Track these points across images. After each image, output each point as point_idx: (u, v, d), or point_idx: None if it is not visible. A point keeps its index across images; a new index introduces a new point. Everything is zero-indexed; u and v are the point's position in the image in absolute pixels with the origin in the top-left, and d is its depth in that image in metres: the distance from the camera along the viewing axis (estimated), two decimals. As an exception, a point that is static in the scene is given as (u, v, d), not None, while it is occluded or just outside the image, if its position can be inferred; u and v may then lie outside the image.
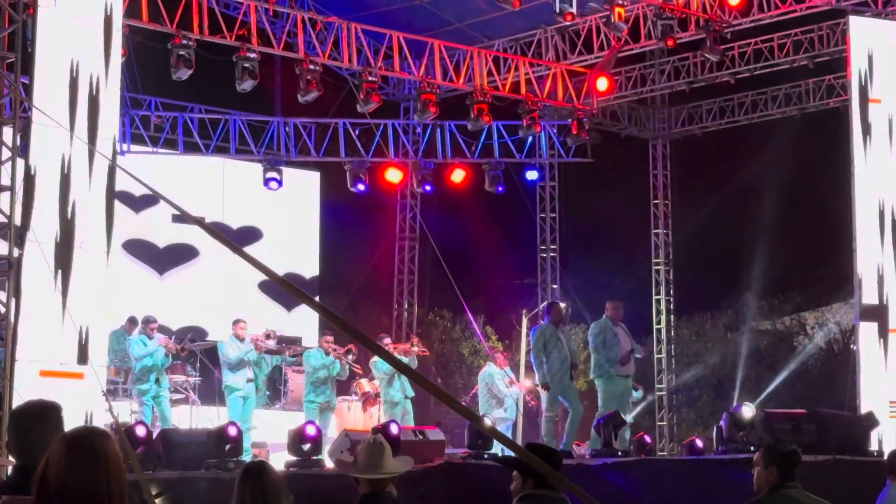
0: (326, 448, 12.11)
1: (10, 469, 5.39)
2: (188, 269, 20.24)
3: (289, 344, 18.29)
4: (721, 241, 24.42)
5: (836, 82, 19.49)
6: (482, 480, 10.17)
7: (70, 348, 11.32)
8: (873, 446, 12.64)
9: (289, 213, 21.10)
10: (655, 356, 21.10)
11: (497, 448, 11.81)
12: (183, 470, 11.15)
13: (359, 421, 16.25)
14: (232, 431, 11.64)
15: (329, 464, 11.47)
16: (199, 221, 4.39)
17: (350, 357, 15.44)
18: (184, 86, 16.99)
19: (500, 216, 24.17)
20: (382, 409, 15.84)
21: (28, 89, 11.78)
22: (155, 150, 19.36)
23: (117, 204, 12.28)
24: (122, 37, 12.50)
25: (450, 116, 19.76)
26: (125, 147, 18.65)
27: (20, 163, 11.36)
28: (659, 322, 21.77)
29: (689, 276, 23.08)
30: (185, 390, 16.32)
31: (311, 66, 16.31)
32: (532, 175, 21.25)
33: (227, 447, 11.49)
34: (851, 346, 19.48)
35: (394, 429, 11.36)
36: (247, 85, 15.89)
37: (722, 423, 12.41)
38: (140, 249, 19.75)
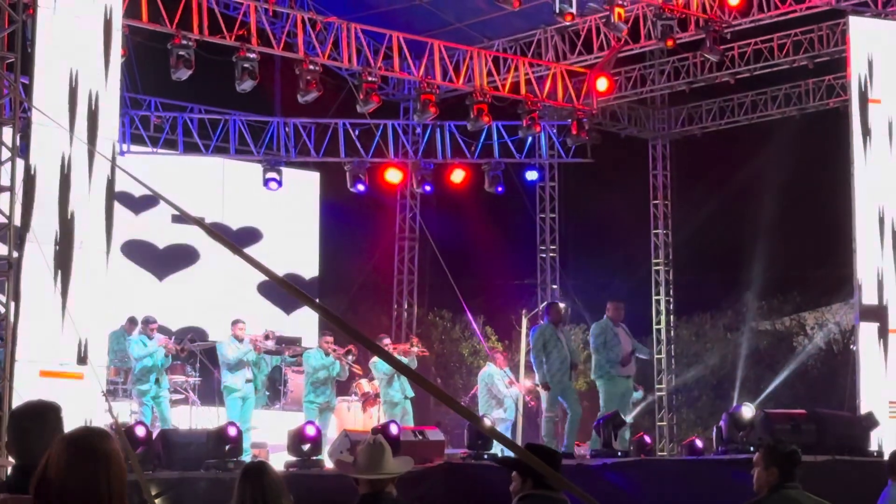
0: (326, 448, 12.11)
1: (9, 469, 5.39)
2: (187, 273, 20.23)
3: (288, 344, 18.29)
4: (721, 241, 24.40)
5: (836, 82, 19.49)
6: (482, 481, 10.17)
7: (70, 349, 11.32)
8: (873, 447, 12.63)
9: (288, 214, 21.10)
10: (655, 356, 21.09)
11: (497, 448, 11.81)
12: (183, 470, 11.16)
13: (358, 421, 16.26)
14: (232, 432, 11.64)
15: (329, 464, 11.46)
16: (199, 222, 4.39)
17: (350, 358, 15.44)
18: (183, 86, 16.99)
19: (499, 216, 24.17)
20: (382, 410, 15.84)
21: (28, 89, 11.78)
22: (155, 150, 19.36)
23: (117, 206, 12.28)
24: (121, 37, 12.50)
25: (449, 117, 19.76)
26: (125, 147, 18.65)
27: (20, 163, 11.36)
28: (658, 322, 21.77)
29: (689, 276, 23.07)
30: (184, 391, 16.32)
31: (311, 67, 16.31)
32: (532, 175, 21.24)
33: (227, 447, 11.49)
34: (851, 346, 19.47)
35: (393, 429, 11.37)
36: (246, 85, 15.89)
37: (721, 423, 12.40)
38: (139, 251, 19.74)
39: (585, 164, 20.73)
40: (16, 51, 11.51)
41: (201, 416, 16.06)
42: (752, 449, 11.02)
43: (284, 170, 20.02)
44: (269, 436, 15.75)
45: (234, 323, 14.96)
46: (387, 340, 17.19)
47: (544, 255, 22.16)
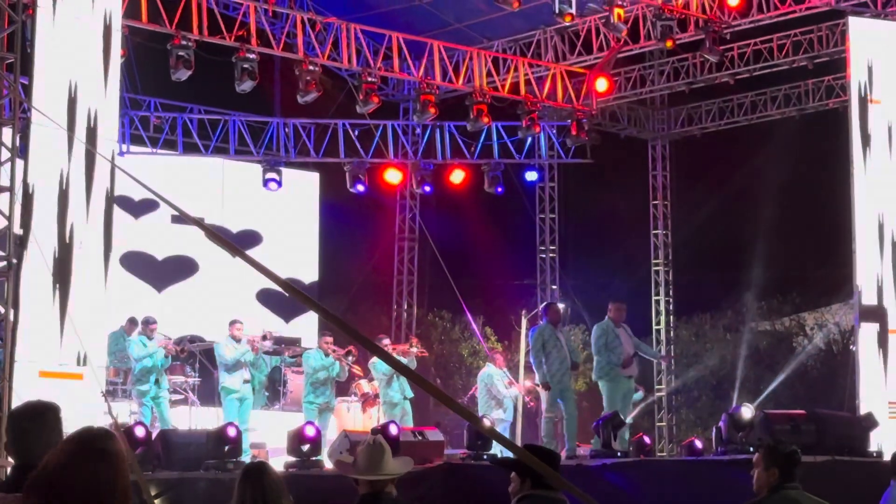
0: (325, 449, 12.11)
1: (9, 469, 5.39)
2: (187, 284, 20.21)
3: (288, 345, 18.29)
4: (721, 241, 24.40)
5: (836, 83, 19.50)
6: (481, 481, 10.16)
7: (69, 349, 11.32)
8: (872, 447, 12.63)
9: (288, 214, 21.09)
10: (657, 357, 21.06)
11: (496, 449, 11.81)
12: (182, 471, 11.16)
13: (358, 422, 16.25)
14: (231, 432, 11.64)
15: (328, 465, 11.46)
16: (199, 223, 4.39)
17: (350, 358, 15.43)
18: (183, 86, 16.98)
19: (499, 217, 24.16)
20: (381, 410, 15.84)
21: (27, 90, 11.78)
22: (154, 150, 19.36)
23: (117, 210, 12.28)
24: (121, 37, 12.50)
25: (449, 117, 19.75)
26: (124, 148, 18.65)
27: (19, 163, 11.35)
28: (658, 323, 21.78)
29: (689, 276, 23.08)
30: (184, 391, 16.32)
31: (311, 67, 16.31)
32: (531, 176, 21.23)
33: (227, 448, 11.49)
34: (851, 346, 19.47)
35: (393, 430, 11.36)
36: (246, 86, 15.89)
37: (721, 423, 12.39)
38: (138, 263, 19.72)
39: (585, 164, 20.73)
40: (15, 51, 11.51)
41: (201, 417, 16.05)
42: (751, 449, 11.01)
43: (284, 170, 20.01)
44: (268, 436, 15.74)
45: (232, 323, 14.93)
46: (386, 341, 17.19)
47: (544, 256, 22.16)
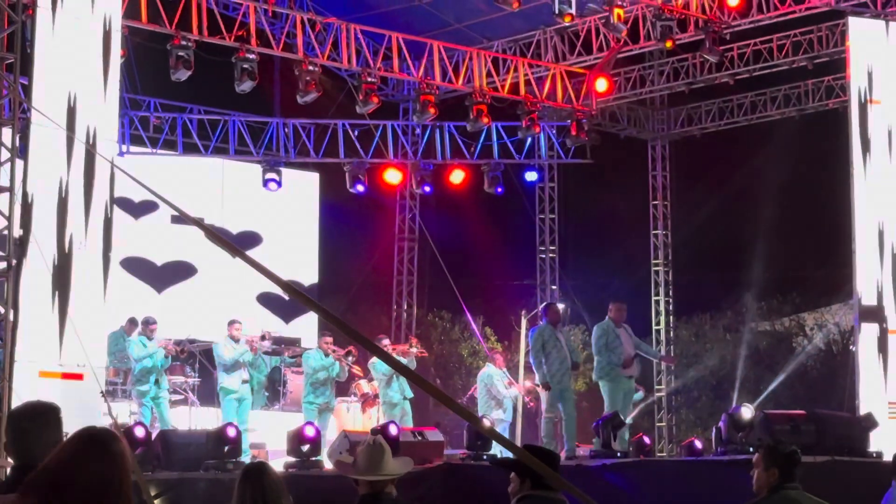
0: (325, 449, 12.11)
1: (9, 469, 5.39)
2: (186, 284, 20.19)
3: (288, 345, 18.29)
4: (720, 241, 24.40)
5: (836, 83, 19.49)
6: (481, 481, 10.16)
7: (69, 349, 11.32)
8: (872, 447, 12.63)
9: (288, 215, 21.09)
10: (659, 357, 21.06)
11: (496, 449, 11.81)
12: (182, 471, 11.17)
13: (357, 422, 16.26)
14: (231, 432, 11.65)
15: (328, 465, 11.46)
16: (199, 223, 4.39)
17: (350, 359, 15.43)
18: (183, 87, 16.98)
19: (499, 217, 24.16)
20: (381, 411, 15.84)
21: (27, 90, 11.78)
22: (154, 151, 19.35)
23: (116, 211, 12.27)
24: (121, 38, 12.50)
25: (449, 117, 19.75)
26: (124, 148, 18.64)
27: (19, 164, 11.35)
28: (658, 323, 21.78)
29: (689, 276, 23.08)
30: (184, 391, 16.33)
31: (311, 67, 16.31)
32: (531, 176, 21.23)
33: (226, 448, 11.50)
34: (850, 347, 19.47)
35: (393, 430, 11.36)
36: (246, 86, 15.88)
37: (721, 424, 12.39)
38: (138, 267, 19.71)
39: (585, 164, 20.73)
40: (15, 51, 11.51)
41: (200, 417, 16.06)
42: (751, 450, 11.01)
43: (284, 170, 20.00)
44: (268, 437, 15.74)
45: (231, 323, 14.92)
46: (386, 341, 17.18)
47: (544, 256, 22.16)
